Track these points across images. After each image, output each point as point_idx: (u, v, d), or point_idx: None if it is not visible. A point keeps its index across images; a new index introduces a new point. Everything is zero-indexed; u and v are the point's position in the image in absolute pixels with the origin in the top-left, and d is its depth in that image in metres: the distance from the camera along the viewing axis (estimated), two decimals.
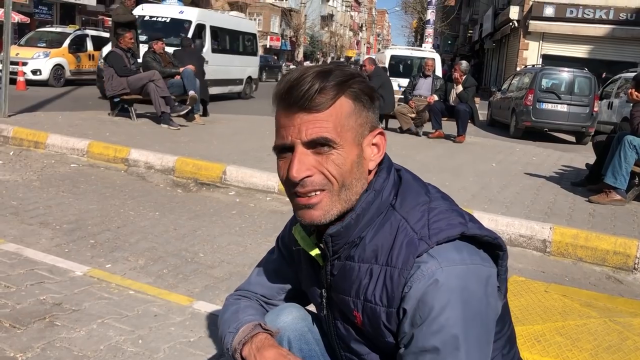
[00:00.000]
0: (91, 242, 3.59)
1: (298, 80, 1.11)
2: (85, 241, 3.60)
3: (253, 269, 1.58)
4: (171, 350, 2.33)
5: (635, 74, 5.79)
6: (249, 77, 17.36)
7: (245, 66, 16.88)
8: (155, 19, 13.84)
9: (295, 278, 1.46)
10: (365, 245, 1.19)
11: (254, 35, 17.92)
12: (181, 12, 14.19)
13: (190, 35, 12.81)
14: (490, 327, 1.13)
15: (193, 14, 14.17)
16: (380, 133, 1.21)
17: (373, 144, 1.19)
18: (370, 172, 1.20)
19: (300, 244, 1.30)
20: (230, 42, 16.17)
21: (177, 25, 13.52)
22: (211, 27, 14.57)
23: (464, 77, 9.36)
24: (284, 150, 1.16)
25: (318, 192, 1.15)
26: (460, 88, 9.30)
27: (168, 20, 13.74)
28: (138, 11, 13.42)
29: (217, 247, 3.73)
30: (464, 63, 9.66)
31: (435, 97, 9.45)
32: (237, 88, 16.49)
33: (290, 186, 1.16)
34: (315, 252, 1.28)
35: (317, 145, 1.12)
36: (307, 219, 1.18)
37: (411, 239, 1.13)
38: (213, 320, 2.62)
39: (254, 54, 17.91)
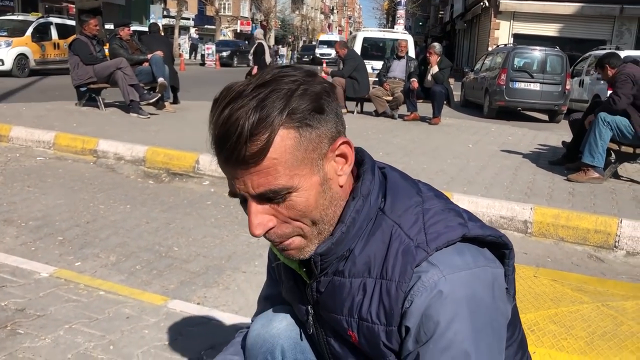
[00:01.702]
0: (59, 239, 3.42)
1: (225, 126, 0.92)
2: (52, 238, 3.43)
3: None
4: (145, 355, 2.18)
5: (601, 58, 5.74)
6: None
7: None
8: None
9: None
10: (356, 257, 1.05)
11: None
12: None
13: None
14: (502, 335, 1.02)
15: None
16: (344, 142, 1.01)
17: (338, 156, 1.02)
18: (341, 186, 1.03)
19: (281, 259, 1.17)
20: None
21: None
22: None
23: (439, 59, 9.28)
24: (239, 197, 1.01)
25: (290, 237, 1.02)
26: (435, 69, 9.22)
27: None
28: None
29: (192, 240, 3.59)
30: (437, 45, 9.56)
31: (416, 84, 9.29)
32: None
33: None
34: (298, 268, 1.14)
35: (270, 197, 0.96)
36: (286, 257, 1.08)
37: (407, 246, 1.00)
38: (189, 321, 2.49)
39: None
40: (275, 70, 0.98)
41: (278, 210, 0.98)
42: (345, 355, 1.14)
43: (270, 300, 1.42)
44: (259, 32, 13.84)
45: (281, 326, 1.29)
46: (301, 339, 1.28)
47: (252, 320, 1.47)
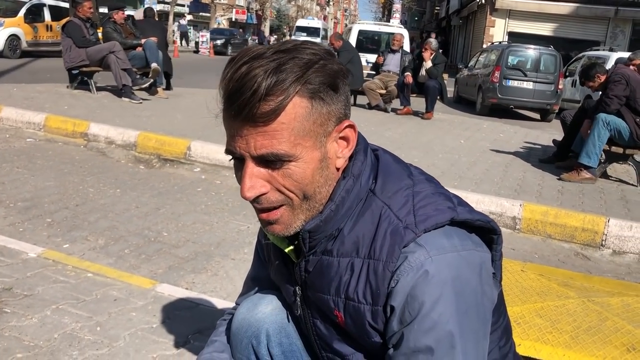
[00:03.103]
0: (48, 221, 3.40)
1: (242, 81, 0.92)
2: (41, 220, 3.41)
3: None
4: (132, 337, 2.18)
5: (585, 72, 5.72)
6: None
7: None
8: None
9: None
10: (344, 237, 1.06)
11: None
12: None
13: None
14: (487, 319, 1.03)
15: None
16: (349, 126, 1.03)
17: (341, 138, 1.03)
18: (338, 169, 1.04)
19: (270, 238, 1.16)
20: None
21: None
22: None
23: (433, 55, 9.29)
24: (235, 158, 1.01)
25: (278, 207, 1.01)
26: (429, 64, 9.22)
27: None
28: None
29: (182, 225, 3.58)
30: (434, 41, 9.57)
31: (410, 78, 9.29)
32: None
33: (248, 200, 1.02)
34: (287, 247, 1.14)
35: (269, 161, 0.96)
36: (270, 232, 1.06)
37: (396, 227, 1.00)
38: (177, 304, 2.49)
39: None
40: (297, 42, 0.99)
41: (273, 176, 0.98)
42: (330, 336, 1.14)
43: (256, 281, 1.42)
44: None
45: (267, 310, 1.29)
46: (288, 322, 1.29)
47: (237, 303, 1.47)
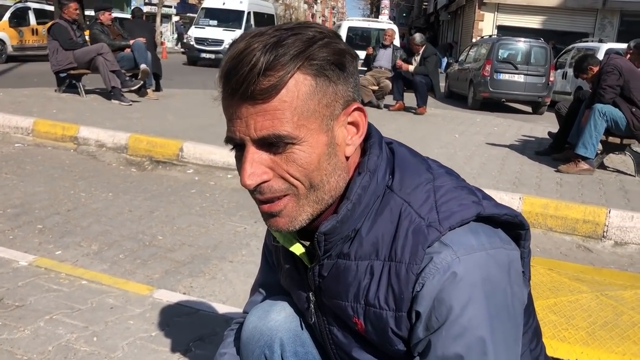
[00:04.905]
0: (39, 228, 3.30)
1: (239, 57, 0.85)
2: (32, 226, 3.31)
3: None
4: (130, 347, 2.10)
5: (579, 63, 5.70)
6: None
7: None
8: None
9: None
10: (362, 238, 0.98)
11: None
12: None
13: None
14: (518, 321, 0.95)
15: None
16: (358, 109, 0.95)
17: (349, 123, 0.95)
18: (348, 158, 0.96)
19: (280, 241, 1.07)
20: None
21: None
22: None
23: (422, 48, 9.25)
24: (235, 145, 0.93)
25: (281, 197, 0.93)
26: (417, 59, 9.21)
27: None
28: None
29: (177, 228, 3.49)
30: (418, 36, 9.53)
31: (411, 67, 9.26)
32: None
33: (249, 191, 0.93)
34: (299, 250, 1.05)
35: (271, 143, 0.88)
36: (273, 227, 0.97)
37: (418, 226, 0.92)
38: (176, 310, 2.40)
39: None
40: (301, 22, 0.92)
41: (276, 162, 0.90)
42: (349, 344, 1.06)
43: (265, 287, 1.34)
44: None
45: (279, 318, 1.21)
46: (302, 330, 1.21)
47: (244, 310, 1.39)
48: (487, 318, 0.88)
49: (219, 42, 18.73)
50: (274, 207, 0.93)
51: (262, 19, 22.05)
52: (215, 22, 20.38)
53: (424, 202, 0.95)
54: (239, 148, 0.92)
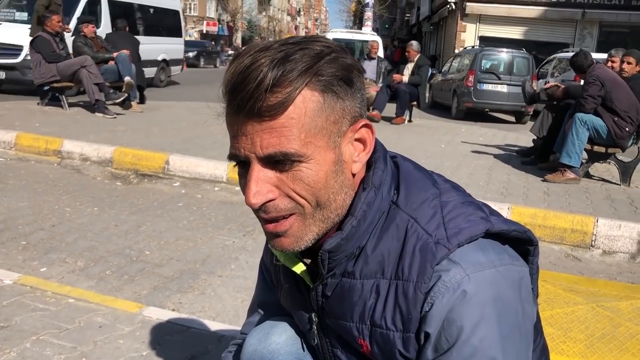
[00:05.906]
0: (22, 244, 3.23)
1: (245, 73, 0.82)
2: (15, 243, 3.24)
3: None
4: None
5: (570, 59, 5.79)
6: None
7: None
8: None
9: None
10: (368, 256, 0.95)
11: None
12: None
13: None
14: (529, 340, 0.93)
15: None
16: (366, 125, 0.92)
17: (356, 140, 0.92)
18: (354, 175, 0.94)
19: (280, 259, 1.04)
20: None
21: None
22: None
23: (417, 56, 9.34)
24: (239, 162, 0.90)
25: (287, 217, 0.90)
26: (410, 67, 9.27)
27: None
28: None
29: (164, 243, 3.44)
30: (414, 43, 9.66)
31: (405, 78, 9.31)
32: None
33: (253, 210, 0.90)
34: (300, 269, 1.02)
35: (277, 161, 0.86)
36: (277, 247, 0.94)
37: (425, 243, 0.90)
38: (166, 328, 2.35)
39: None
40: (307, 35, 0.90)
41: (282, 180, 0.87)
42: None
43: (264, 307, 1.30)
44: None
45: (280, 340, 1.17)
46: (304, 353, 1.17)
47: (242, 331, 1.35)
48: (498, 338, 0.86)
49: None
50: (279, 226, 0.90)
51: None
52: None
53: (431, 218, 0.93)
54: (243, 165, 0.89)
